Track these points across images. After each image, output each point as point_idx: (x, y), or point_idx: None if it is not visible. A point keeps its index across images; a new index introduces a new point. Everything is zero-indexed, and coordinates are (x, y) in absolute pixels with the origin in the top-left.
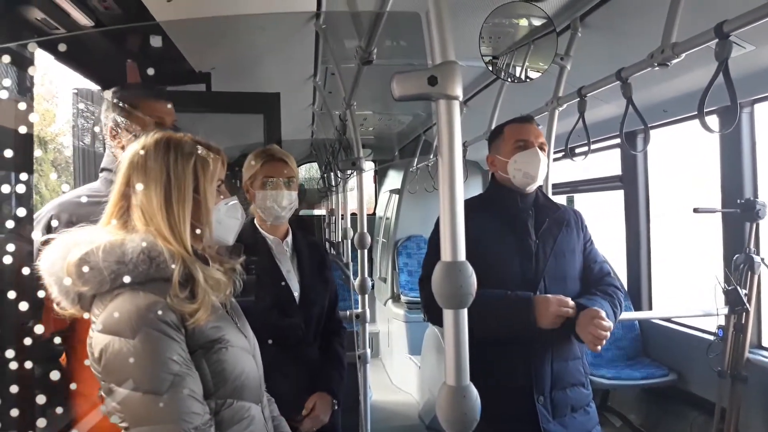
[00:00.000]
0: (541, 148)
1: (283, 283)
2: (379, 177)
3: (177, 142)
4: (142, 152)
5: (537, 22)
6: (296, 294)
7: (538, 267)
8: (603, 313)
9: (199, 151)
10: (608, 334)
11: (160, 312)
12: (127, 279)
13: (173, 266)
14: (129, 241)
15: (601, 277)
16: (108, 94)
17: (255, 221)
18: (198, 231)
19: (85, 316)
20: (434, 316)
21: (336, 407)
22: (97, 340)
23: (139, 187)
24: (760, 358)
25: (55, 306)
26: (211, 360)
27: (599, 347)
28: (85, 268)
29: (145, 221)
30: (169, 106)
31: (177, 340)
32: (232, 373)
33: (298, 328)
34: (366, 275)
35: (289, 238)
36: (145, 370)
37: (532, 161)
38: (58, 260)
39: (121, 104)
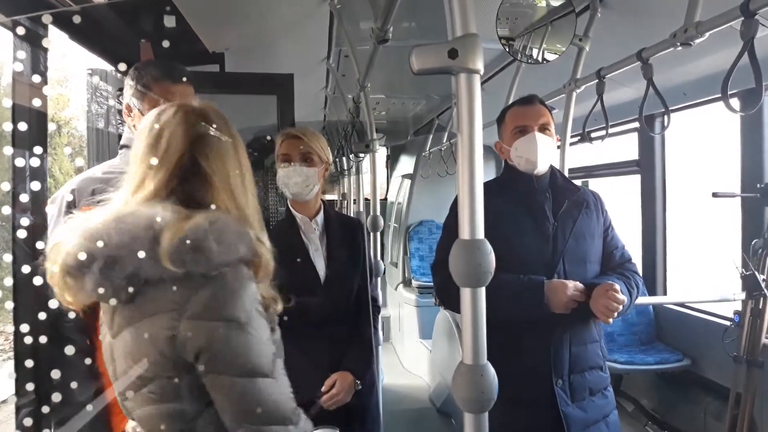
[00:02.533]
0: (543, 130)
1: (307, 263)
2: (391, 162)
3: (228, 121)
4: (206, 125)
5: (555, 2)
6: (321, 274)
7: (556, 249)
8: (617, 287)
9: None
10: (621, 306)
11: (255, 292)
12: (224, 259)
13: (259, 248)
14: (220, 219)
15: (622, 263)
16: (130, 70)
17: (288, 201)
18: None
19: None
20: (448, 301)
21: (359, 387)
22: (198, 328)
23: (215, 166)
24: None
25: (64, 296)
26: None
27: (610, 319)
28: (189, 248)
29: (228, 204)
30: (183, 85)
31: (266, 321)
32: (281, 352)
33: (322, 307)
34: (378, 259)
35: (319, 217)
36: (258, 353)
37: (530, 147)
38: (137, 240)
39: (140, 82)
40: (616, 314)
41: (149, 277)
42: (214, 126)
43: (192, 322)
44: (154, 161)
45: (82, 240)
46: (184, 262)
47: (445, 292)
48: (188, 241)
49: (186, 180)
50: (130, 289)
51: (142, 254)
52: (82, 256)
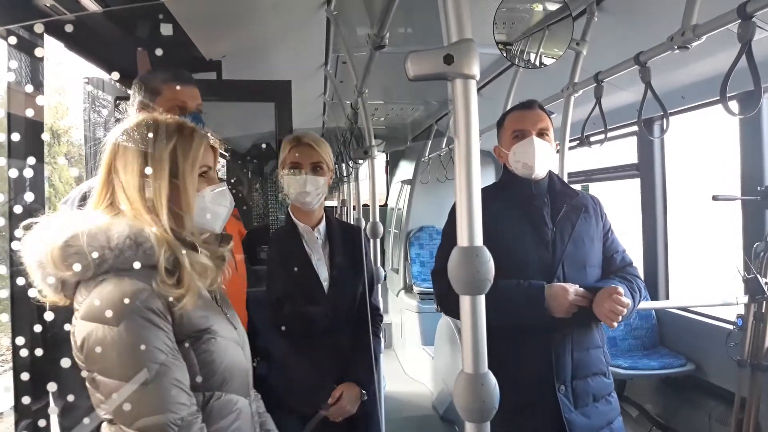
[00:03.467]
0: (542, 134)
1: (311, 272)
2: (391, 168)
3: (157, 125)
4: (123, 135)
5: (552, 7)
6: (325, 283)
7: (555, 254)
8: (621, 290)
9: (180, 135)
10: (625, 310)
11: (145, 299)
12: (112, 265)
13: (159, 250)
14: (115, 226)
15: (623, 267)
16: (134, 80)
17: (289, 208)
18: (180, 216)
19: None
20: (450, 309)
21: (365, 398)
22: (79, 327)
23: (120, 170)
24: None
25: (36, 294)
26: (199, 350)
27: (615, 323)
28: (70, 253)
29: (128, 204)
30: (192, 87)
31: (163, 328)
32: (221, 365)
33: (326, 316)
34: (379, 265)
35: (321, 226)
36: (130, 359)
37: (528, 151)
38: (42, 245)
39: (144, 90)
40: (620, 318)
41: (66, 278)
42: (137, 137)
43: (78, 321)
44: (99, 173)
45: (25, 240)
46: (65, 266)
47: (446, 301)
48: (64, 246)
49: (113, 190)
50: (64, 288)
51: (44, 258)
52: (25, 255)
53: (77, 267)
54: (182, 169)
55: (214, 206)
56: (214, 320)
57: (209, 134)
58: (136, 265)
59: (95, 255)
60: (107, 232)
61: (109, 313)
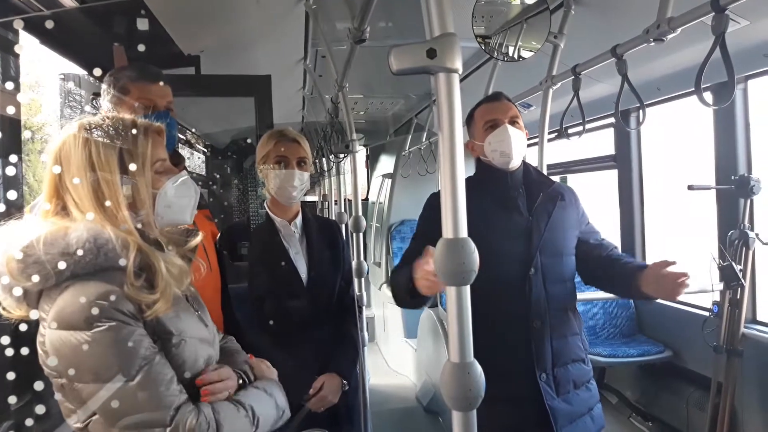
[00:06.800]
0: (514, 122)
1: (289, 266)
2: (372, 162)
3: (98, 127)
4: (65, 141)
5: (530, 0)
6: (304, 276)
7: (532, 243)
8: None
9: (125, 135)
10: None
11: (114, 301)
12: (74, 270)
13: (125, 253)
14: (73, 230)
15: (612, 248)
16: (105, 77)
17: (266, 203)
18: (144, 217)
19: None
20: (402, 302)
21: (346, 388)
22: (50, 337)
23: (68, 177)
24: (755, 333)
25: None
26: (170, 354)
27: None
28: (28, 263)
29: (80, 211)
30: (161, 85)
31: (136, 327)
32: (193, 366)
33: (306, 309)
34: (361, 259)
35: (298, 220)
36: (109, 360)
37: (504, 139)
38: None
39: (113, 88)
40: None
41: (27, 289)
42: (71, 143)
43: (48, 331)
44: (45, 179)
45: None
46: (24, 277)
47: (397, 294)
48: (20, 256)
49: (61, 194)
50: (27, 299)
51: (1, 270)
52: None
53: (36, 277)
54: (132, 170)
55: (178, 199)
56: (185, 321)
57: (155, 123)
58: (99, 267)
59: (54, 263)
60: (65, 238)
61: (78, 319)
